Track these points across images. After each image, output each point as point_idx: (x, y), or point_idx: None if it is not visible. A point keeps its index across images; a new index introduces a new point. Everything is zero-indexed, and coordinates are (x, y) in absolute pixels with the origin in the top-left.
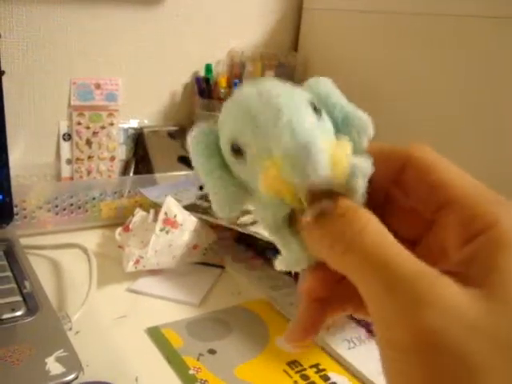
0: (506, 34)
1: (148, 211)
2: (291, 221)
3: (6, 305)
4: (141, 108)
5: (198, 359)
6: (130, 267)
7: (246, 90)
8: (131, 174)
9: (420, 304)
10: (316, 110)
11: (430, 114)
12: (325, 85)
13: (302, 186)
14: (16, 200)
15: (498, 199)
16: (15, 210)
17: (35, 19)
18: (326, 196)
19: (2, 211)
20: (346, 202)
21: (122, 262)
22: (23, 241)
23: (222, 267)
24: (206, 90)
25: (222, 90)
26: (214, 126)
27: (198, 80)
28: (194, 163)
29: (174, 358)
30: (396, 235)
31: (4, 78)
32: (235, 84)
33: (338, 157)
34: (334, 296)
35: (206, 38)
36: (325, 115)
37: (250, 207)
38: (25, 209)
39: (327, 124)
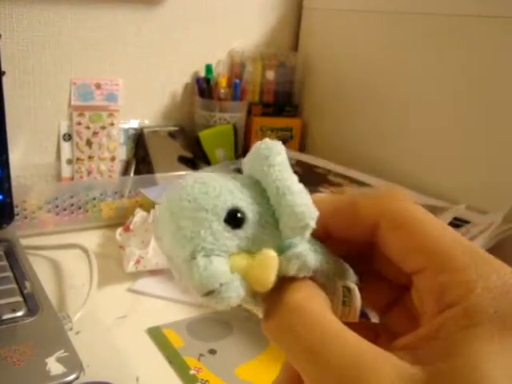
0: (506, 34)
1: (148, 211)
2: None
3: (7, 305)
4: (141, 108)
5: (198, 359)
6: (130, 267)
7: (173, 196)
8: (132, 175)
9: None
10: (235, 220)
11: (430, 114)
12: (262, 158)
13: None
14: (16, 200)
15: (480, 264)
16: (16, 210)
17: (35, 19)
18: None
19: (2, 211)
20: (285, 284)
21: (122, 262)
22: (24, 241)
23: None
24: (206, 90)
25: (223, 90)
26: None
27: (198, 80)
28: None
29: (174, 358)
30: (386, 278)
31: (4, 79)
32: (235, 84)
33: (257, 278)
34: None
35: (207, 38)
36: (256, 214)
37: None
38: (25, 209)
39: (252, 232)
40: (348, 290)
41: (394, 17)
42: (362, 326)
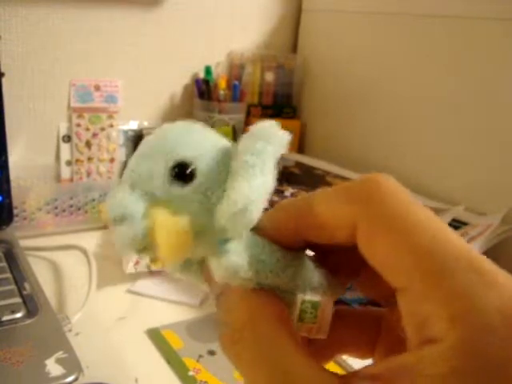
0: (506, 34)
1: None
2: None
3: (6, 307)
4: (140, 110)
5: (197, 360)
6: (130, 268)
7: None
8: None
9: None
10: (181, 174)
11: (428, 115)
12: (252, 138)
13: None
14: (16, 202)
15: (472, 282)
16: (15, 211)
17: (35, 21)
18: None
19: (1, 213)
20: (233, 292)
21: (122, 263)
22: (23, 242)
23: None
24: (205, 92)
25: (222, 92)
26: None
27: (197, 82)
28: None
29: (173, 360)
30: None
31: (3, 80)
32: (235, 86)
33: (162, 236)
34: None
35: (206, 40)
36: (208, 182)
37: None
38: (24, 210)
39: (191, 195)
40: (313, 304)
41: (393, 18)
42: (364, 319)
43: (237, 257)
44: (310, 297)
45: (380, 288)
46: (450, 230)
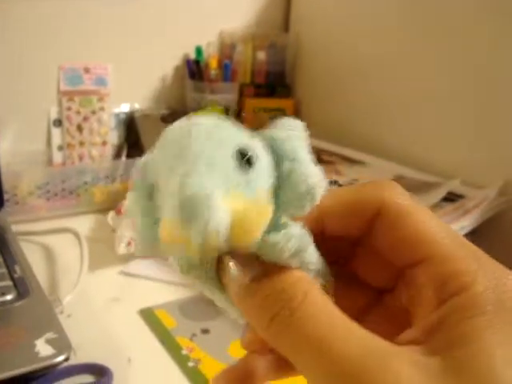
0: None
1: None
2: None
3: None
4: (132, 92)
5: (191, 339)
6: (122, 249)
7: (178, 124)
8: (123, 159)
9: None
10: (245, 160)
11: (423, 89)
12: (286, 128)
13: (200, 249)
14: (7, 186)
15: (478, 256)
16: (6, 196)
17: (22, 5)
18: (253, 259)
19: None
20: (279, 271)
21: (114, 245)
22: (15, 227)
23: None
24: (196, 72)
25: (213, 72)
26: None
27: (188, 62)
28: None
29: (166, 339)
30: (363, 281)
31: None
32: (226, 65)
33: (246, 223)
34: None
35: (196, 20)
36: (264, 168)
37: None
38: (16, 195)
39: (255, 181)
40: (326, 290)
41: None
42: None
43: (307, 239)
44: (324, 281)
45: (379, 273)
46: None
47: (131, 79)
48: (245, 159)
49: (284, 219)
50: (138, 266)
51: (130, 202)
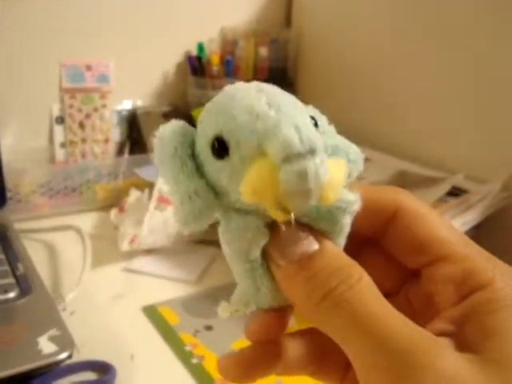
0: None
1: (143, 191)
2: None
3: None
4: (133, 89)
5: (194, 335)
6: (125, 246)
7: (240, 85)
8: (126, 156)
9: (415, 372)
10: (316, 126)
11: (427, 83)
12: (315, 112)
13: (294, 196)
14: (10, 184)
15: (490, 257)
16: (9, 194)
17: (24, 2)
18: (306, 231)
19: None
20: (336, 250)
21: (117, 242)
22: (18, 225)
23: (218, 244)
24: (198, 69)
25: (215, 68)
26: (187, 126)
27: (190, 59)
28: (161, 167)
29: (170, 335)
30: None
31: None
32: (228, 61)
33: (335, 177)
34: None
35: (198, 16)
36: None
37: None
38: (18, 193)
39: (326, 139)
40: None
41: None
42: None
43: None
44: None
45: (384, 275)
46: None
47: (133, 76)
48: (317, 123)
49: None
50: (141, 263)
51: (169, 173)
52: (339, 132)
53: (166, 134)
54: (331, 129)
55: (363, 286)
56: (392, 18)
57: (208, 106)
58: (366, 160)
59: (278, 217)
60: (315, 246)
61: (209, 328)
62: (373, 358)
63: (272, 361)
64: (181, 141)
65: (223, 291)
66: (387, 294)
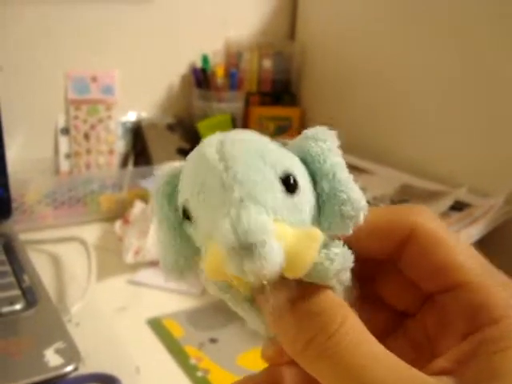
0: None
1: (147, 203)
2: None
3: (5, 299)
4: (138, 101)
5: (199, 348)
6: (129, 258)
7: (210, 142)
8: (130, 168)
9: None
10: (289, 185)
11: (429, 98)
12: (320, 141)
13: (248, 283)
14: (15, 195)
15: (507, 285)
16: (14, 205)
17: (29, 13)
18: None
19: (0, 206)
20: (319, 294)
21: (122, 254)
22: (23, 236)
23: None
24: (203, 81)
25: (219, 80)
26: (178, 174)
27: (194, 71)
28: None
29: (174, 348)
30: (385, 304)
31: (0, 74)
32: (232, 74)
33: (299, 254)
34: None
35: (202, 29)
36: (306, 189)
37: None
38: (24, 204)
39: (301, 204)
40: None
41: (392, 2)
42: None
43: (349, 258)
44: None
45: (404, 296)
46: None
47: (138, 88)
48: (291, 182)
49: (325, 239)
50: (146, 275)
51: (156, 214)
52: (343, 144)
53: (157, 188)
54: (330, 168)
55: (346, 333)
56: (396, 30)
57: (185, 164)
58: (370, 173)
59: (245, 290)
60: (290, 293)
61: (213, 341)
62: None
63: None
64: (168, 194)
65: (227, 304)
66: (402, 314)
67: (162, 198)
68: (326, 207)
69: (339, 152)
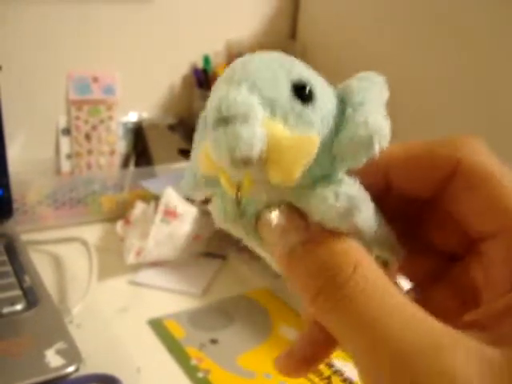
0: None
1: (149, 203)
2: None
3: (6, 299)
4: (139, 101)
5: (200, 349)
6: (131, 259)
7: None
8: (131, 168)
9: (417, 377)
10: (302, 93)
11: (430, 97)
12: (364, 81)
13: (234, 173)
14: (16, 195)
15: None
16: (15, 205)
17: (30, 13)
18: (298, 218)
19: (1, 207)
20: (326, 238)
21: (123, 254)
22: (24, 236)
23: (223, 257)
24: (204, 82)
25: None
26: None
27: (196, 72)
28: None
29: (175, 349)
30: (431, 246)
31: (1, 74)
32: None
33: (285, 154)
34: None
35: (204, 29)
36: (324, 107)
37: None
38: (25, 204)
39: (310, 116)
40: (384, 263)
41: (394, 2)
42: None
43: (360, 200)
44: (386, 254)
45: (450, 239)
46: None
47: (139, 88)
48: (306, 91)
49: (340, 174)
50: (147, 276)
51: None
52: None
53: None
54: (361, 101)
55: (357, 283)
56: (397, 30)
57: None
58: None
59: (228, 189)
60: (298, 236)
61: (214, 342)
62: (371, 360)
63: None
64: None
65: (229, 304)
66: (451, 256)
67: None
68: (341, 133)
69: (383, 93)
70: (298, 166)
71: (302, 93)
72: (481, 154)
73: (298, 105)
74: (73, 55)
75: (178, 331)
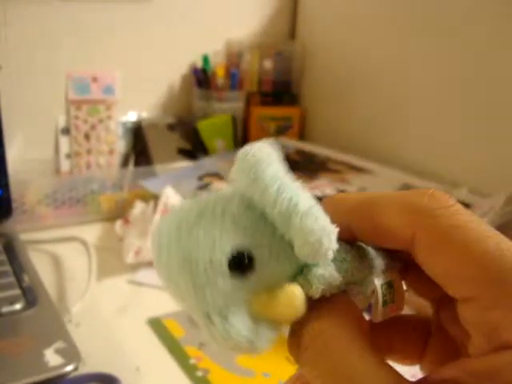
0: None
1: (148, 203)
2: None
3: (5, 298)
4: (139, 101)
5: (199, 348)
6: (130, 258)
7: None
8: (131, 168)
9: None
10: (241, 265)
11: (429, 97)
12: (253, 175)
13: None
14: (15, 195)
15: None
16: (15, 205)
17: (29, 13)
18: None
19: (0, 206)
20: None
21: (122, 254)
22: (23, 236)
23: None
24: (203, 81)
25: (220, 80)
26: None
27: (195, 71)
28: None
29: (174, 348)
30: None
31: (0, 74)
32: (233, 74)
33: (279, 313)
34: None
35: (203, 29)
36: (262, 250)
37: None
38: (24, 204)
39: (262, 272)
40: (389, 285)
41: (394, 2)
42: (413, 322)
43: (331, 273)
44: (384, 278)
45: (429, 289)
46: (507, 239)
47: (138, 88)
48: (242, 264)
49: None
50: (146, 275)
51: None
52: (344, 144)
53: None
54: (265, 191)
55: (336, 340)
56: (396, 30)
57: None
58: (370, 173)
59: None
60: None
61: None
62: None
63: None
64: None
65: None
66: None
67: None
68: (294, 245)
69: (280, 178)
70: (296, 312)
71: (242, 267)
72: (434, 216)
73: (245, 277)
74: (72, 55)
75: (178, 330)
